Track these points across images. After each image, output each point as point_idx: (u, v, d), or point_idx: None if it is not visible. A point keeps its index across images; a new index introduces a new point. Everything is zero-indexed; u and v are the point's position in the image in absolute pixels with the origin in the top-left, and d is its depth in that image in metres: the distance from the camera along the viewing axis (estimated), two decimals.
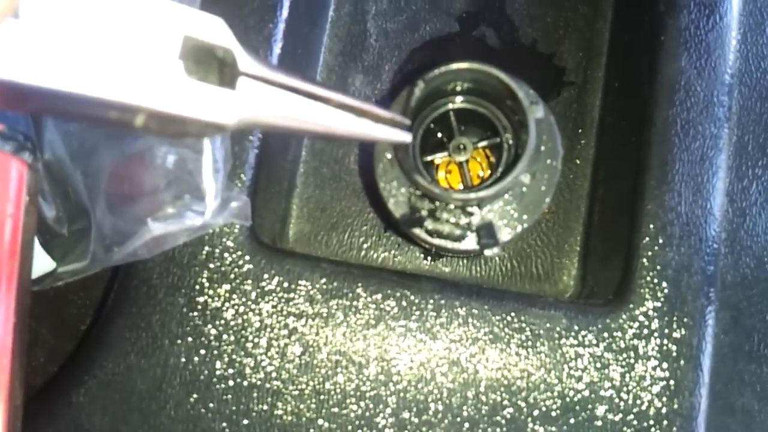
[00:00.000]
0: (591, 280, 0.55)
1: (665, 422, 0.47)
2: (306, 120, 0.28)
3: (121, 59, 0.22)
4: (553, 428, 0.47)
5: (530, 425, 0.47)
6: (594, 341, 0.48)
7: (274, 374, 0.47)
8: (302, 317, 0.48)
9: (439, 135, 0.52)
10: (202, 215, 0.46)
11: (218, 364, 0.47)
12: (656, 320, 0.48)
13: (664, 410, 0.47)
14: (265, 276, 0.48)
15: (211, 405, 0.47)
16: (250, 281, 0.48)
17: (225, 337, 0.48)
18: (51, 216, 0.51)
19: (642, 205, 0.50)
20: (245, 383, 0.47)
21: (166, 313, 0.48)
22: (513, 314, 0.48)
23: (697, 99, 0.51)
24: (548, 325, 0.48)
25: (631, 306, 0.48)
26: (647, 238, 0.49)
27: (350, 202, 0.59)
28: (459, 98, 0.50)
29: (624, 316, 0.48)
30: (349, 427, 0.47)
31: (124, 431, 0.48)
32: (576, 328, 0.48)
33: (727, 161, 0.51)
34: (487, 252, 0.47)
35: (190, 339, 0.48)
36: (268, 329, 0.48)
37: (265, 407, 0.47)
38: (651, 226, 0.49)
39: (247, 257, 0.49)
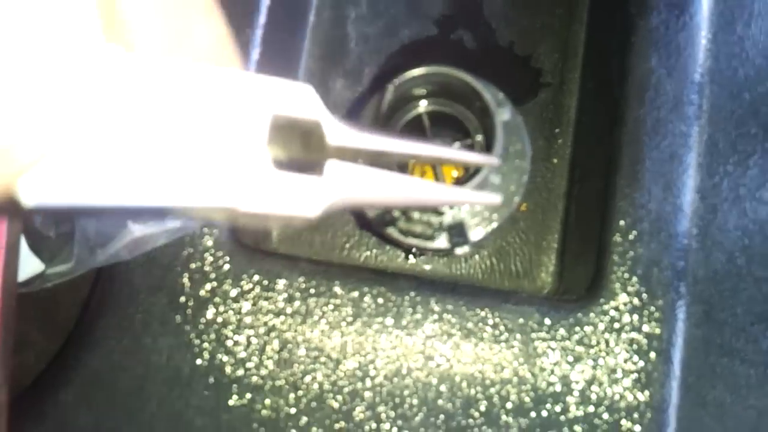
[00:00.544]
0: (567, 277, 0.57)
1: (636, 414, 0.48)
2: (393, 195, 0.27)
3: (205, 157, 0.20)
4: (526, 421, 0.48)
5: (503, 418, 0.48)
6: (566, 336, 0.49)
7: (253, 370, 0.49)
8: (281, 315, 0.49)
9: None
10: None
11: (199, 362, 0.49)
12: (627, 314, 0.49)
13: (635, 403, 0.48)
14: (245, 275, 0.50)
15: (192, 401, 0.48)
16: (230, 281, 0.50)
17: (205, 335, 0.49)
18: (38, 219, 0.52)
19: (613, 203, 0.51)
20: (225, 380, 0.49)
21: (149, 313, 0.49)
22: (487, 310, 0.49)
23: (668, 98, 0.52)
24: (521, 320, 0.49)
25: (602, 301, 0.49)
26: (618, 235, 0.50)
27: None
28: (430, 101, 0.52)
29: (595, 311, 0.49)
30: (327, 421, 0.48)
31: (108, 428, 0.49)
32: (548, 323, 0.49)
33: (697, 159, 0.52)
34: (458, 250, 0.48)
35: (171, 338, 0.49)
36: (248, 327, 0.49)
37: (245, 402, 0.48)
38: (622, 222, 0.50)
39: (227, 257, 0.50)
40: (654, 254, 0.50)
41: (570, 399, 0.48)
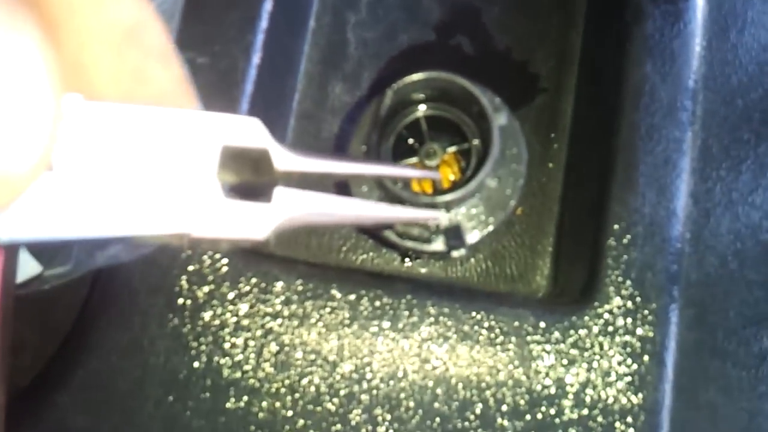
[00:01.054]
0: (562, 280, 0.57)
1: (630, 417, 0.48)
2: (337, 215, 0.29)
3: (161, 190, 0.22)
4: (521, 423, 0.48)
5: (499, 420, 0.48)
6: (561, 338, 0.49)
7: (250, 373, 0.49)
8: (278, 317, 0.50)
9: (411, 141, 0.54)
10: None
11: (196, 364, 0.49)
12: (621, 318, 0.49)
13: (628, 405, 0.48)
14: (242, 278, 0.50)
15: (189, 403, 0.49)
16: (227, 283, 0.50)
17: (203, 337, 0.49)
18: None
19: (608, 207, 0.51)
20: (222, 382, 0.49)
21: (147, 315, 0.50)
22: (482, 313, 0.50)
23: (661, 104, 0.53)
24: (516, 323, 0.50)
25: (597, 304, 0.50)
26: (612, 239, 0.51)
27: None
28: (428, 105, 0.52)
29: (590, 314, 0.50)
30: (324, 424, 0.49)
31: (105, 430, 0.49)
32: (543, 325, 0.49)
33: (691, 164, 0.53)
34: (455, 253, 0.49)
35: (169, 340, 0.49)
36: (245, 329, 0.49)
37: (242, 405, 0.49)
38: (616, 226, 0.51)
39: (225, 260, 0.50)
40: (648, 258, 0.50)
41: (565, 402, 0.48)
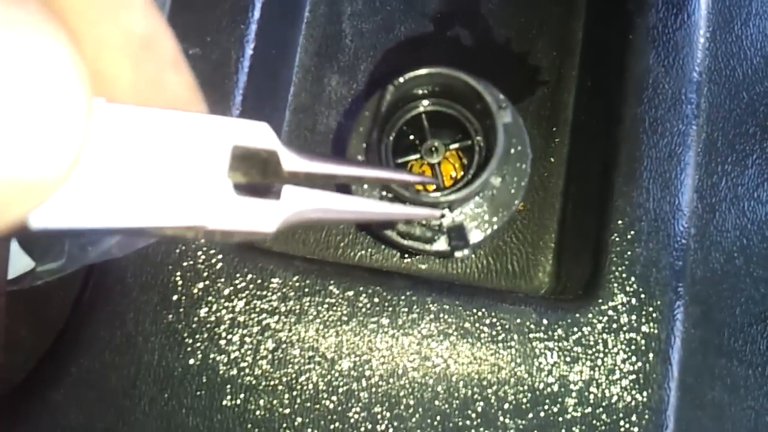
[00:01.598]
0: (564, 277, 0.56)
1: (634, 416, 0.47)
2: (342, 212, 0.31)
3: (176, 186, 0.24)
4: (523, 422, 0.47)
5: (500, 419, 0.47)
6: (563, 336, 0.48)
7: (247, 370, 0.48)
8: (275, 314, 0.49)
9: (412, 137, 0.53)
10: None
11: (191, 361, 0.48)
12: (625, 315, 0.48)
13: (633, 403, 0.47)
14: (238, 274, 0.49)
15: (184, 401, 0.48)
16: (223, 279, 0.49)
17: (198, 334, 0.48)
18: None
19: (611, 202, 0.50)
20: (218, 379, 0.48)
21: (140, 311, 0.49)
22: (484, 310, 0.49)
23: (665, 96, 0.52)
24: (518, 320, 0.49)
25: (600, 301, 0.49)
26: (616, 234, 0.50)
27: None
28: (430, 101, 0.51)
29: (593, 311, 0.49)
30: (322, 422, 0.48)
31: (99, 428, 0.48)
32: (546, 323, 0.48)
33: (695, 158, 0.52)
34: (458, 254, 0.48)
35: (163, 336, 0.48)
36: (241, 326, 0.48)
37: (238, 403, 0.48)
38: (619, 222, 0.50)
39: (220, 255, 0.49)
40: (652, 254, 0.49)
41: (568, 400, 0.48)
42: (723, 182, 0.52)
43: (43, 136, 0.18)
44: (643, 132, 0.51)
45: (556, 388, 0.48)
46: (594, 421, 0.47)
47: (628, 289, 0.49)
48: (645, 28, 0.53)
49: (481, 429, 0.47)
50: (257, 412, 0.48)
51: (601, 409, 0.47)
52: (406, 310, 0.49)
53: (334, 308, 0.49)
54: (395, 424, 0.48)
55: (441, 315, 0.49)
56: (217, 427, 0.47)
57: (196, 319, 0.48)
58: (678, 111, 0.52)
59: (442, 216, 0.49)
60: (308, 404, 0.48)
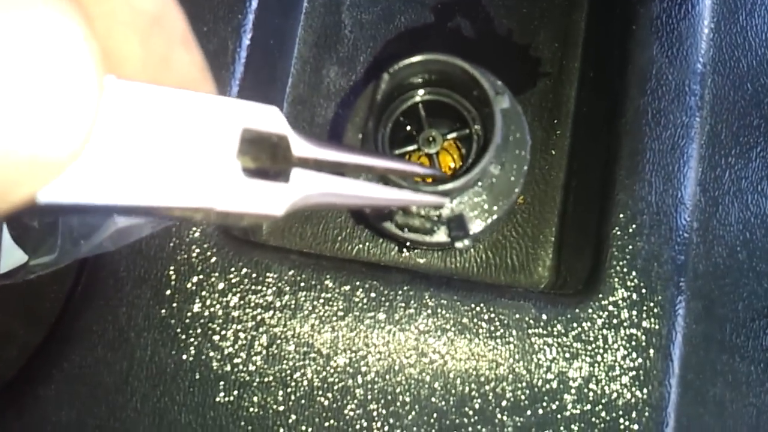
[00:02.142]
0: (564, 271, 0.55)
1: (634, 413, 0.47)
2: (350, 196, 0.32)
3: (185, 166, 0.24)
4: (522, 419, 0.47)
5: (498, 416, 0.47)
6: (563, 331, 0.47)
7: (241, 366, 0.47)
8: (270, 309, 0.48)
9: (409, 128, 0.52)
10: None
11: (184, 357, 0.47)
12: (626, 310, 0.48)
13: (633, 400, 0.47)
14: (233, 268, 0.48)
15: (177, 397, 0.47)
16: (217, 273, 0.48)
17: (191, 329, 0.47)
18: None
19: (612, 195, 0.49)
20: (212, 375, 0.47)
21: (133, 306, 0.48)
22: (482, 305, 0.48)
23: (669, 88, 0.51)
24: (517, 315, 0.48)
25: (601, 296, 0.48)
26: (617, 228, 0.49)
27: None
28: (426, 90, 0.50)
29: (593, 306, 0.48)
30: (317, 419, 0.47)
31: (91, 424, 0.47)
32: (545, 318, 0.48)
33: (699, 150, 0.51)
34: (458, 244, 0.47)
35: (156, 332, 0.48)
36: (235, 321, 0.48)
37: (232, 399, 0.47)
38: (621, 215, 0.49)
39: (215, 249, 0.48)
40: (654, 248, 0.48)
41: (567, 397, 0.47)
42: (726, 175, 0.51)
43: (55, 113, 0.18)
44: (646, 124, 0.50)
45: (555, 384, 0.47)
46: (593, 419, 0.47)
47: (629, 283, 0.48)
48: (648, 18, 0.52)
49: (479, 426, 0.46)
50: (251, 409, 0.47)
51: (600, 406, 0.47)
52: (403, 305, 0.48)
53: (330, 303, 0.48)
54: (391, 421, 0.47)
55: (438, 310, 0.48)
56: (211, 423, 0.47)
57: (189, 314, 0.48)
58: (681, 103, 0.51)
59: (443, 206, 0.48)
60: (303, 401, 0.47)
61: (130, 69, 0.23)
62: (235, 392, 0.47)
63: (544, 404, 0.47)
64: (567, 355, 0.47)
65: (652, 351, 0.47)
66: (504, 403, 0.47)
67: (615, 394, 0.47)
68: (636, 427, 0.46)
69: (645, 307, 0.48)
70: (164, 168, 0.23)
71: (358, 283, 0.49)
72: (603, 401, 0.47)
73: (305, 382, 0.47)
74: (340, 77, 0.61)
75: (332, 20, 0.62)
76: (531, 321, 0.48)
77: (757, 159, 0.52)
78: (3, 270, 0.51)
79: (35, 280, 0.52)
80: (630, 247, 0.48)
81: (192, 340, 0.47)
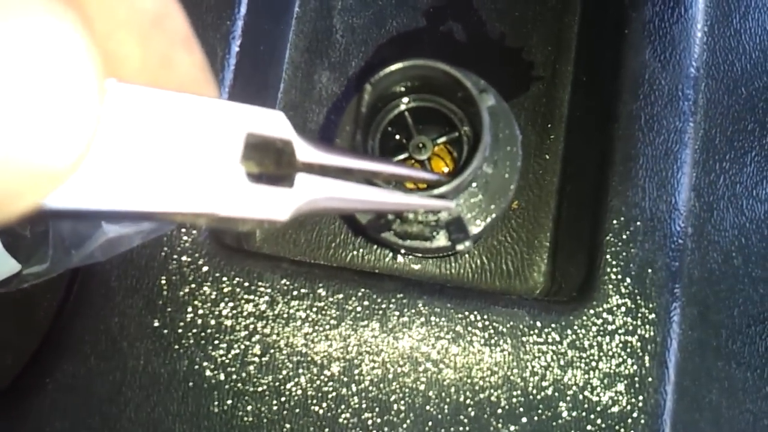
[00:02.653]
0: (559, 277, 0.55)
1: (630, 420, 0.46)
2: (355, 201, 0.32)
3: (188, 171, 0.23)
4: (516, 427, 0.46)
5: (493, 424, 0.46)
6: (557, 339, 0.47)
7: (234, 376, 0.47)
8: (263, 318, 0.47)
9: (398, 137, 0.51)
10: None
11: (177, 366, 0.47)
12: (620, 317, 0.47)
13: (628, 408, 0.46)
14: (225, 277, 0.48)
15: (170, 407, 0.47)
16: (209, 282, 0.48)
17: (184, 339, 0.47)
18: None
19: (605, 201, 0.49)
20: (205, 385, 0.47)
21: (125, 316, 0.48)
22: (476, 312, 0.48)
23: (662, 93, 0.51)
24: (511, 323, 0.48)
25: (595, 303, 0.48)
26: (611, 235, 0.49)
27: None
28: (411, 98, 0.50)
29: (588, 313, 0.48)
30: (311, 428, 0.47)
31: None
32: (539, 325, 0.47)
33: (693, 155, 0.51)
34: (459, 247, 0.46)
35: (149, 341, 0.47)
36: (228, 330, 0.47)
37: (226, 409, 0.47)
38: (614, 222, 0.49)
39: (206, 258, 0.48)
40: (648, 254, 0.48)
41: (562, 404, 0.47)
42: (721, 180, 0.51)
43: (56, 121, 0.17)
44: (639, 129, 0.50)
45: (549, 392, 0.47)
46: (589, 426, 0.46)
47: (623, 290, 0.48)
48: (641, 22, 0.52)
49: None
50: (245, 419, 0.47)
51: (595, 414, 0.46)
52: (396, 313, 0.48)
53: (323, 312, 0.48)
54: (386, 430, 0.47)
55: (432, 318, 0.48)
56: None
57: (182, 323, 0.47)
58: (675, 107, 0.51)
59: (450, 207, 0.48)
60: (297, 410, 0.47)
61: (129, 69, 0.23)
62: (229, 401, 0.47)
63: (539, 412, 0.46)
64: (562, 362, 0.47)
65: (647, 358, 0.47)
66: (499, 411, 0.47)
67: (610, 402, 0.47)
68: None
69: (640, 314, 0.47)
70: (168, 173, 0.23)
71: (351, 291, 0.48)
72: (598, 408, 0.46)
73: (299, 391, 0.47)
74: (332, 82, 0.61)
75: (323, 25, 0.62)
76: (525, 328, 0.47)
77: (751, 164, 0.51)
78: None
79: (28, 289, 0.52)
80: (624, 253, 0.48)
81: (185, 349, 0.47)
